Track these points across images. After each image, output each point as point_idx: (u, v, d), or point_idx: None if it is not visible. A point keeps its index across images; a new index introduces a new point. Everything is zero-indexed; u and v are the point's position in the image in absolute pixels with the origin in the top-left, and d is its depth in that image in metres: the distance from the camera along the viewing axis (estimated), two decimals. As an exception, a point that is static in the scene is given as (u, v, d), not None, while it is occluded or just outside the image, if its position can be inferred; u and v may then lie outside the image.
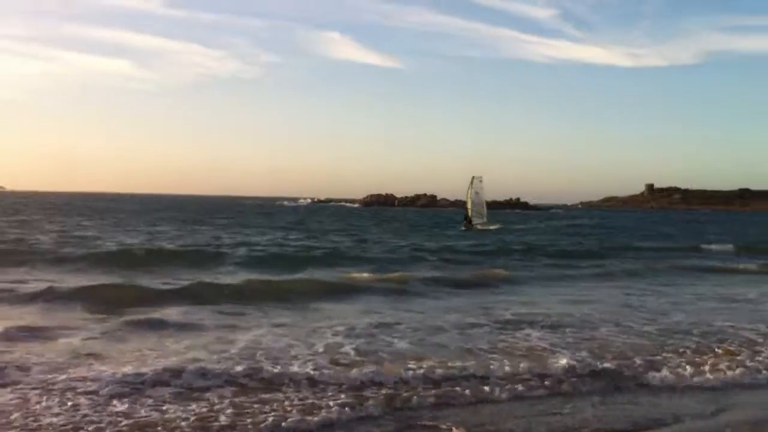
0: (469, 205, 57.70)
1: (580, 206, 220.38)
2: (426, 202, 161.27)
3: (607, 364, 10.50)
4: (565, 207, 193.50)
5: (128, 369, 9.27)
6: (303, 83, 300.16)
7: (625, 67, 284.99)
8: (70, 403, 7.99)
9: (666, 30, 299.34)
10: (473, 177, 57.98)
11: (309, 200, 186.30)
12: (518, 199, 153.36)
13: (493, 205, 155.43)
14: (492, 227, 56.78)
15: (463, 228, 56.52)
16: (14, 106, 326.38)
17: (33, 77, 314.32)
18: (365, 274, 21.75)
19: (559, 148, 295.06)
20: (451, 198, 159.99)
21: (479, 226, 56.92)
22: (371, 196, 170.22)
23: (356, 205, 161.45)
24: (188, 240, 36.24)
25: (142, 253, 26.37)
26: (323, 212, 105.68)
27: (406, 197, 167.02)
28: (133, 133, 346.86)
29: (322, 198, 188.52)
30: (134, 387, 8.64)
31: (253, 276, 20.57)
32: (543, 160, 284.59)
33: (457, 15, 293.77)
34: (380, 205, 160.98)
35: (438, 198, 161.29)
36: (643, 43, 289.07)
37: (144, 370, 9.24)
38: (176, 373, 9.17)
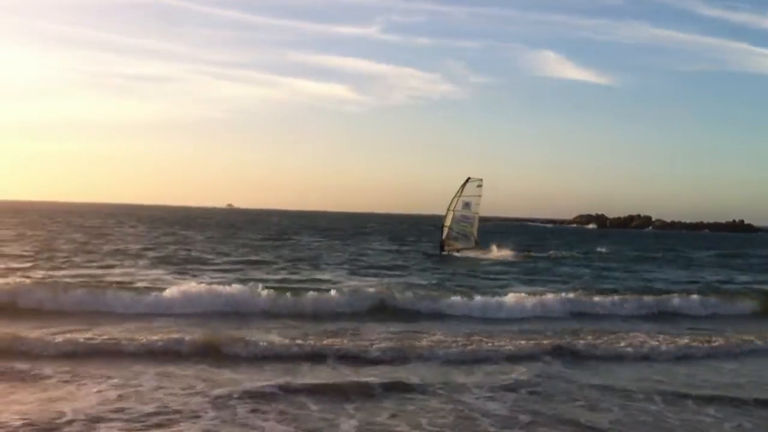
0: (447, 222, 37.39)
1: None
2: (640, 223, 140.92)
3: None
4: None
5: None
6: (512, 103, 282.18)
7: None
8: None
9: None
10: (468, 179, 37.64)
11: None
12: (742, 221, 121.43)
13: (714, 227, 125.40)
14: (493, 255, 36.09)
15: (444, 252, 37.02)
16: (230, 126, 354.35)
17: (249, 100, 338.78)
18: None
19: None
20: (668, 219, 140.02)
21: (456, 252, 36.62)
22: (581, 216, 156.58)
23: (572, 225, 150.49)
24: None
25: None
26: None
27: (619, 218, 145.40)
28: (346, 153, 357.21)
29: (527, 217, 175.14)
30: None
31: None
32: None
33: (674, 28, 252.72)
34: (590, 224, 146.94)
35: (653, 219, 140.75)
36: None
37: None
38: None
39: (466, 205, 37.51)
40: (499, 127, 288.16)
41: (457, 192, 37.45)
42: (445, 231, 37.34)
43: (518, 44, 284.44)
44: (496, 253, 37.17)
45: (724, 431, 8.43)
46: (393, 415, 8.48)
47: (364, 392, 9.37)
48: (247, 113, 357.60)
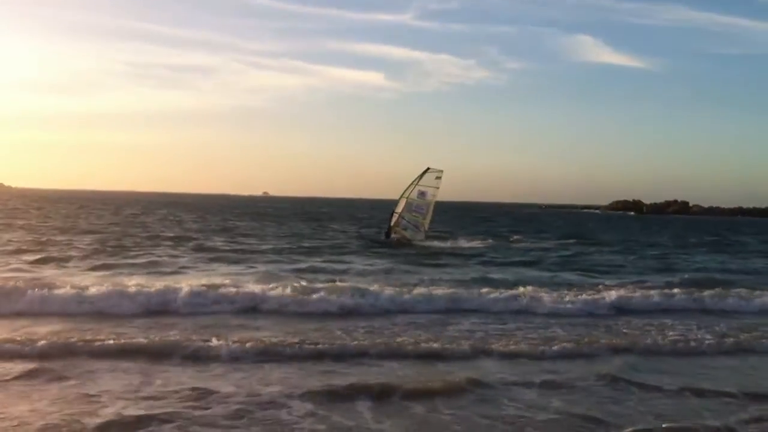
0: (398, 209, 34.15)
1: None
2: (677, 209, 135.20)
3: None
4: None
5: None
6: (549, 88, 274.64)
7: None
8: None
9: None
10: (427, 168, 34.36)
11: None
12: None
13: (753, 213, 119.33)
14: (418, 239, 33.53)
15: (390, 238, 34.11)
16: (271, 114, 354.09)
17: (289, 89, 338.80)
18: None
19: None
20: (705, 205, 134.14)
21: (405, 236, 33.63)
22: (617, 202, 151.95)
23: (597, 211, 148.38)
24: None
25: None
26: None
27: (655, 204, 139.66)
28: (381, 141, 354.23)
29: (562, 203, 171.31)
30: None
31: None
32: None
33: (713, 10, 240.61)
34: (626, 211, 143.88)
35: (690, 204, 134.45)
36: None
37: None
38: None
39: (422, 194, 34.24)
40: (535, 113, 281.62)
41: (414, 180, 34.26)
42: (395, 218, 34.17)
43: (555, 29, 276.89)
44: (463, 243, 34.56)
45: None
46: None
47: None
48: (284, 102, 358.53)
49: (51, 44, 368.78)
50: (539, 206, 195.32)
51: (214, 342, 10.58)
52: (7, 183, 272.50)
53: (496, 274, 21.84)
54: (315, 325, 12.78)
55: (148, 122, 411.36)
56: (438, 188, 34.41)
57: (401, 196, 34.18)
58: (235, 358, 10.02)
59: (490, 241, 37.95)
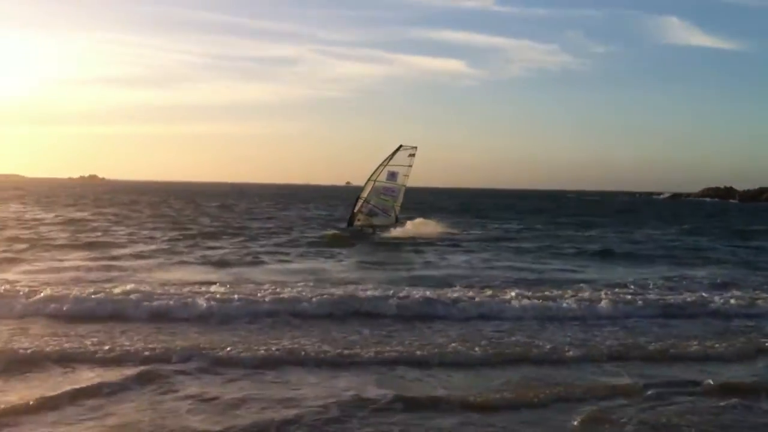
0: (364, 194, 31.20)
1: None
2: None
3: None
4: None
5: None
6: (635, 72, 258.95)
7: None
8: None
9: None
10: (400, 146, 31.23)
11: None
12: None
13: None
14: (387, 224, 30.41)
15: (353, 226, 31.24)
16: (352, 104, 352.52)
17: (369, 78, 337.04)
18: None
19: None
20: None
21: (369, 228, 30.63)
22: (708, 189, 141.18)
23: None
24: None
25: None
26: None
27: (748, 191, 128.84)
28: (459, 128, 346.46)
29: (653, 191, 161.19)
30: None
31: None
32: None
33: None
34: (719, 198, 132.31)
35: None
36: None
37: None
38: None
39: (392, 175, 31.04)
40: (621, 98, 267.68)
41: (385, 160, 31.06)
42: (359, 203, 31.23)
43: (641, 11, 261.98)
44: (417, 228, 31.07)
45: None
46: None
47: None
48: (364, 91, 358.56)
49: (139, 39, 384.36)
50: (632, 194, 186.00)
51: None
52: (101, 175, 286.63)
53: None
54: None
55: (232, 113, 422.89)
56: (410, 167, 31.06)
57: (368, 179, 31.28)
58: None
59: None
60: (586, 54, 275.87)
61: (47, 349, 9.26)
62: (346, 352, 9.63)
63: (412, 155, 30.99)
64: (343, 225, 32.71)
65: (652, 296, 14.56)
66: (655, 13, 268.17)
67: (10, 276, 15.76)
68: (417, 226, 31.41)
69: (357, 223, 31.04)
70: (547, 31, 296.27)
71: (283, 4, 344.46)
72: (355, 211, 31.22)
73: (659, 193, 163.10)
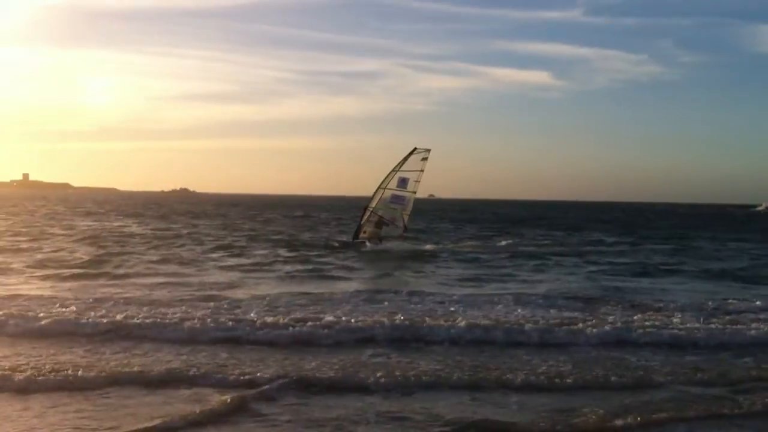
0: (373, 203, 28.12)
1: None
2: None
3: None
4: None
5: None
6: (729, 82, 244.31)
7: None
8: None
9: None
10: (414, 149, 28.22)
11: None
12: None
13: None
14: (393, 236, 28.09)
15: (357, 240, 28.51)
16: (437, 117, 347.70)
17: (454, 91, 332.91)
18: None
19: None
20: None
21: (369, 242, 27.56)
22: None
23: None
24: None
25: None
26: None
27: None
28: (546, 141, 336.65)
29: (743, 203, 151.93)
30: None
31: None
32: None
33: None
34: None
35: None
36: None
37: None
38: None
39: (403, 181, 28.29)
40: (715, 108, 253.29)
41: (396, 165, 28.30)
42: (367, 214, 28.14)
43: (735, 19, 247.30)
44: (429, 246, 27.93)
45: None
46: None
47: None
48: (448, 104, 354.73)
49: (231, 56, 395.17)
50: (722, 206, 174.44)
51: None
52: (191, 188, 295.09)
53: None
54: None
55: (320, 128, 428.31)
56: (422, 171, 28.35)
57: (378, 187, 28.19)
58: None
59: None
60: (676, 63, 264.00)
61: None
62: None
63: (425, 159, 28.22)
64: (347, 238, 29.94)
65: None
66: (749, 20, 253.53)
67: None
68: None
69: (362, 235, 28.16)
70: (635, 40, 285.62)
71: (368, 18, 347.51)
72: (362, 222, 28.24)
73: (755, 205, 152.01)
